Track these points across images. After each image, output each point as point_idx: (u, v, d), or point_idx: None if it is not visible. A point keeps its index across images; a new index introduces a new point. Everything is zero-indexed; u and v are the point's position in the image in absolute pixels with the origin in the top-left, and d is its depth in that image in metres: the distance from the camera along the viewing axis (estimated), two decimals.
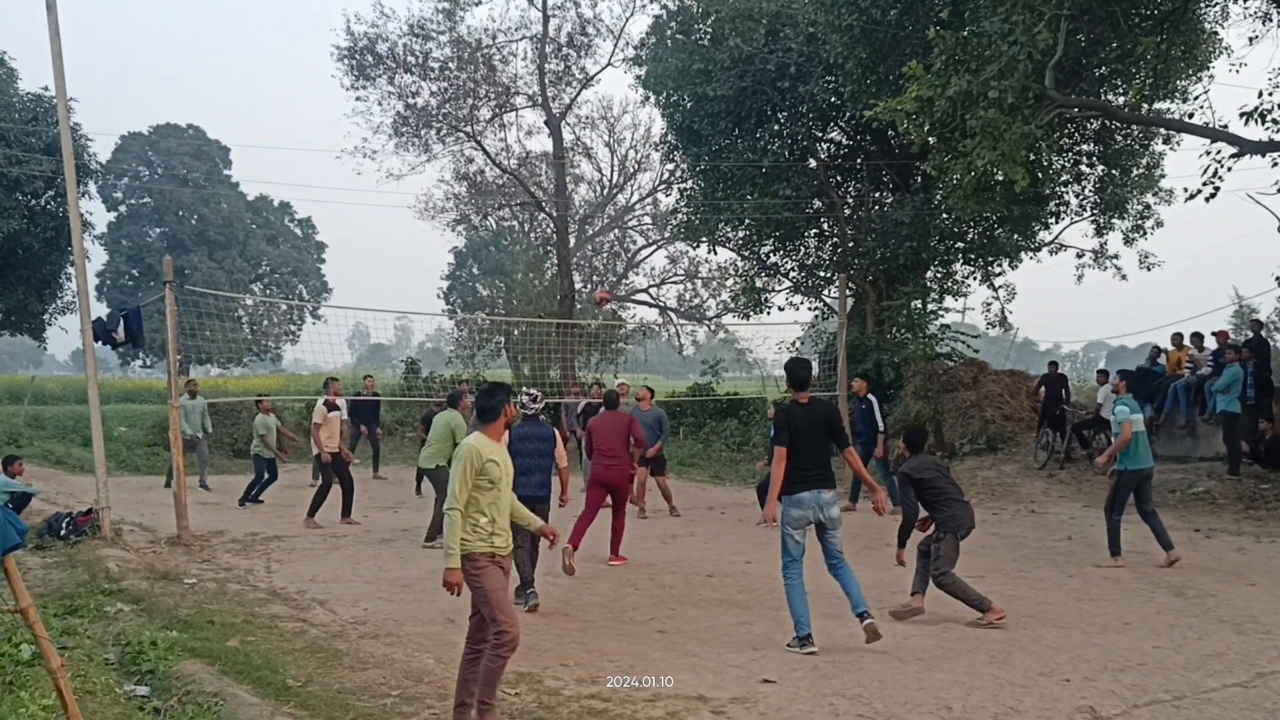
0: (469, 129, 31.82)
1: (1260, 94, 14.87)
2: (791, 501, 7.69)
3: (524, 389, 9.91)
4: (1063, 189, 23.31)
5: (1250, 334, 17.42)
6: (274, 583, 10.03)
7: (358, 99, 30.56)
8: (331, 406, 14.88)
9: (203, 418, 18.51)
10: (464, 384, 19.15)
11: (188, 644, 7.12)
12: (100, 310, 26.26)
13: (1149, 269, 25.57)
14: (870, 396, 15.52)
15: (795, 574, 7.69)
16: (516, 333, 32.66)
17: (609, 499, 11.39)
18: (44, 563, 10.14)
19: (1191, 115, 18.27)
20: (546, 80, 30.68)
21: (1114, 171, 22.93)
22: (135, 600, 8.56)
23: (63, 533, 11.34)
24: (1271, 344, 18.01)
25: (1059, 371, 19.64)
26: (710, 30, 23.96)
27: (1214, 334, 17.72)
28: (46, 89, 28.07)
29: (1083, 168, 23.13)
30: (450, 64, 30.52)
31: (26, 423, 25.90)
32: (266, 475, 16.82)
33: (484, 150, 33.13)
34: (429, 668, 7.06)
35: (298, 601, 9.20)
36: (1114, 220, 24.56)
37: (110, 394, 37.12)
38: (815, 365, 26.54)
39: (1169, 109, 20.05)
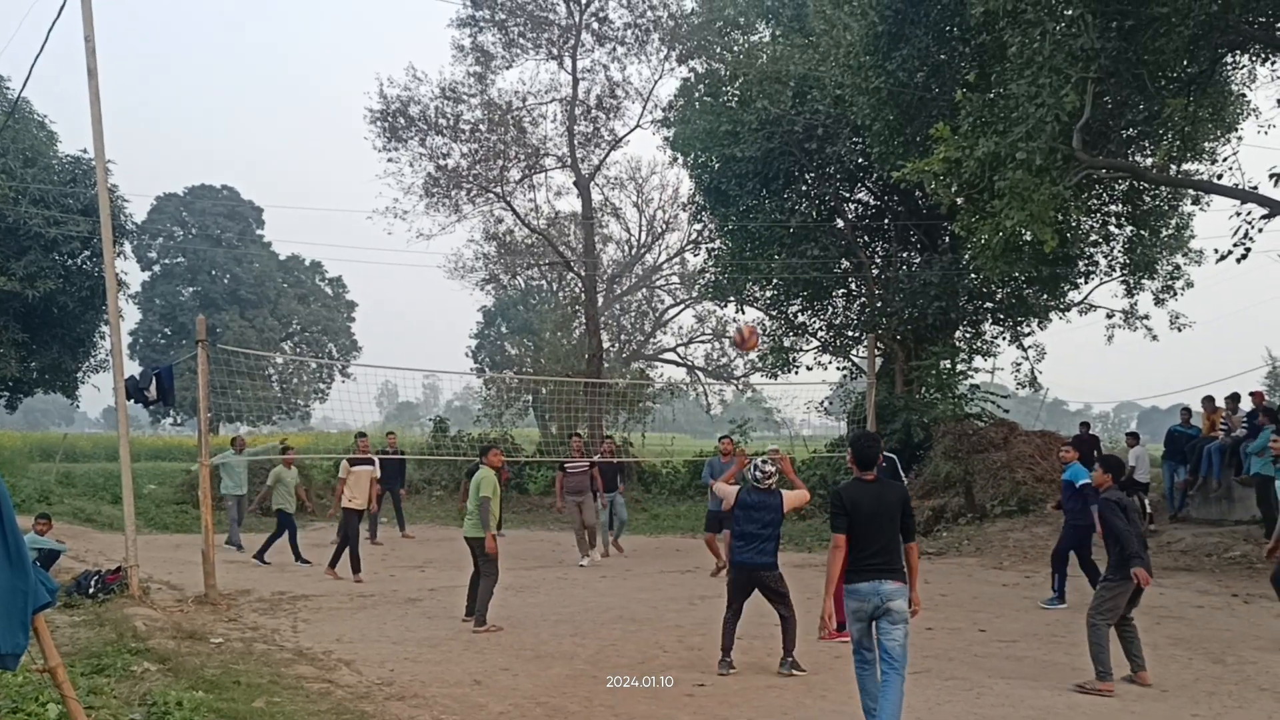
0: (499, 190, 32.16)
1: None
2: (848, 592, 6.75)
3: (759, 459, 9.43)
4: (1092, 249, 23.29)
5: None
6: (300, 643, 9.99)
7: (389, 160, 31.05)
8: (356, 462, 15.01)
9: (242, 474, 18.14)
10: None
11: (214, 704, 7.08)
12: (133, 369, 26.48)
13: (1180, 329, 25.43)
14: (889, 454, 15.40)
15: (866, 676, 6.80)
16: (545, 391, 32.69)
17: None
18: (71, 621, 10.13)
19: (1220, 176, 18.25)
20: (576, 142, 31.07)
21: (1143, 232, 22.87)
22: (162, 659, 8.53)
23: (91, 591, 11.35)
24: None
25: (1090, 433, 19.44)
26: (738, 92, 24.22)
27: (1250, 394, 17.53)
28: (85, 151, 28.70)
29: (1111, 228, 23.09)
30: (481, 126, 30.94)
31: (57, 480, 26.05)
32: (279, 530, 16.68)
33: (513, 210, 33.45)
34: None
35: (324, 662, 9.15)
36: (1144, 281, 24.48)
37: (140, 451, 37.39)
38: (844, 425, 26.44)
39: (1198, 170, 20.06)
